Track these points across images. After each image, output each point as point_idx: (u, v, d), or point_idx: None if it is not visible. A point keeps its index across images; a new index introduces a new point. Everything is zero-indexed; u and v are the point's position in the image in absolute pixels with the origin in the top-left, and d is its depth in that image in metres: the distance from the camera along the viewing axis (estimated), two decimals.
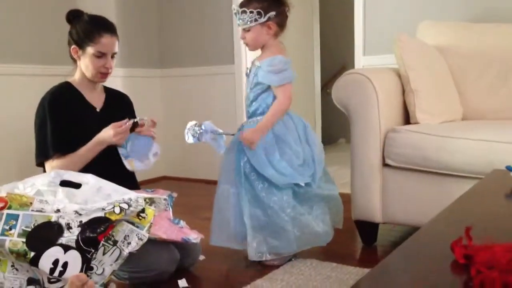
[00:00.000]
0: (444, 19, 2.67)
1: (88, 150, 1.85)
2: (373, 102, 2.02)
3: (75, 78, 1.98)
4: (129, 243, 1.45)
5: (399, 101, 2.17)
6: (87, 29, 1.89)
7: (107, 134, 1.85)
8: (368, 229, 2.14)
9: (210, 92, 3.77)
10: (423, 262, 0.74)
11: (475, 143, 1.80)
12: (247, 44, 2.00)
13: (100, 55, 1.89)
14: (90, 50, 1.88)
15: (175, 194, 1.92)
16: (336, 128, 5.29)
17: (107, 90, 2.08)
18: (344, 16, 4.50)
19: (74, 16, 1.94)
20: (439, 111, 2.16)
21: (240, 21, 1.95)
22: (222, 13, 3.62)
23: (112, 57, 1.95)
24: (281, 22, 1.97)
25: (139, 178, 2.11)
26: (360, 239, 2.19)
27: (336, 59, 5.49)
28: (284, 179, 1.88)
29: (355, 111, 2.06)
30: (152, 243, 1.64)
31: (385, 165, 2.03)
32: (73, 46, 1.93)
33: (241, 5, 1.94)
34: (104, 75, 1.95)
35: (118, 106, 2.08)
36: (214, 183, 2.05)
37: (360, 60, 3.05)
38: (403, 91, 2.17)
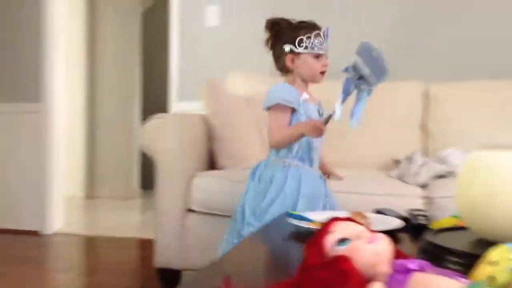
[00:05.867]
0: (253, 70, 2.83)
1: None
2: (178, 147, 2.03)
3: None
4: None
5: (205, 147, 2.21)
6: None
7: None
8: (169, 276, 2.10)
9: (13, 132, 3.38)
10: None
11: None
12: (324, 73, 1.69)
13: None
14: None
15: None
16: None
17: None
18: (165, 60, 4.55)
19: None
20: (242, 158, 2.25)
21: (326, 44, 1.67)
22: (29, 40, 3.33)
23: None
24: None
25: None
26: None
27: (158, 103, 5.49)
28: None
29: (161, 156, 2.05)
30: None
31: (188, 210, 2.03)
32: None
33: (317, 26, 1.69)
34: None
35: None
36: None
37: (175, 105, 3.08)
38: (210, 138, 2.22)
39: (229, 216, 1.96)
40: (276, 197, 1.60)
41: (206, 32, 3.02)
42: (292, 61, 1.68)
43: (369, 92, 1.48)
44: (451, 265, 0.76)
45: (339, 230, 0.66)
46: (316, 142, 1.71)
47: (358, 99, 1.49)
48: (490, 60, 2.60)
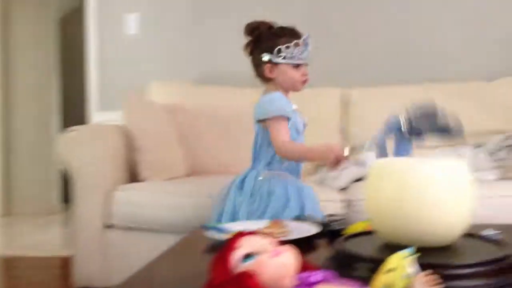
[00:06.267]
0: (175, 78, 2.80)
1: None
2: (96, 160, 1.97)
3: None
4: None
5: (125, 159, 2.14)
6: None
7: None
8: None
9: None
10: None
11: (188, 200, 1.88)
12: (305, 82, 1.65)
13: None
14: None
15: None
16: None
17: None
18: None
19: None
20: (164, 169, 2.21)
21: (306, 53, 1.62)
22: None
23: None
24: None
25: None
26: None
27: (80, 114, 5.32)
28: None
29: (78, 170, 1.97)
30: None
31: (109, 226, 1.96)
32: None
33: (297, 34, 1.62)
34: None
35: None
36: None
37: (96, 116, 2.98)
38: (130, 149, 2.16)
39: (151, 230, 1.92)
40: (280, 213, 1.51)
41: (126, 40, 2.95)
42: (271, 71, 1.62)
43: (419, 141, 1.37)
44: (359, 272, 0.77)
45: (244, 245, 0.66)
46: None
47: (402, 144, 1.37)
48: (406, 65, 2.70)
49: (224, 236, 1.15)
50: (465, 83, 2.42)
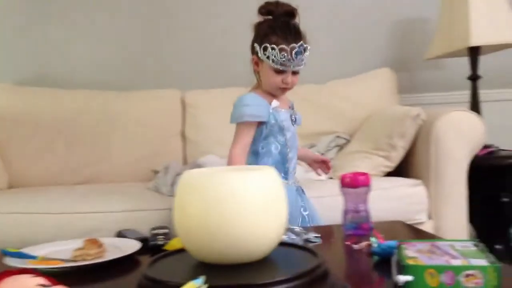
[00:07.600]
0: None
1: None
2: None
3: None
4: None
5: None
6: None
7: None
8: None
9: None
10: None
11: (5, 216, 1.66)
12: (286, 90, 1.49)
13: None
14: None
15: None
16: None
17: None
18: None
19: None
20: None
21: (301, 61, 1.43)
22: None
23: None
24: None
25: None
26: None
27: None
28: None
29: None
30: None
31: None
32: None
33: (300, 38, 1.42)
34: None
35: None
36: None
37: None
38: None
39: None
40: None
41: None
42: (257, 63, 1.48)
43: None
44: None
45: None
46: (291, 152, 1.52)
47: None
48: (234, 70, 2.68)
49: (26, 263, 0.99)
50: (298, 85, 2.48)
